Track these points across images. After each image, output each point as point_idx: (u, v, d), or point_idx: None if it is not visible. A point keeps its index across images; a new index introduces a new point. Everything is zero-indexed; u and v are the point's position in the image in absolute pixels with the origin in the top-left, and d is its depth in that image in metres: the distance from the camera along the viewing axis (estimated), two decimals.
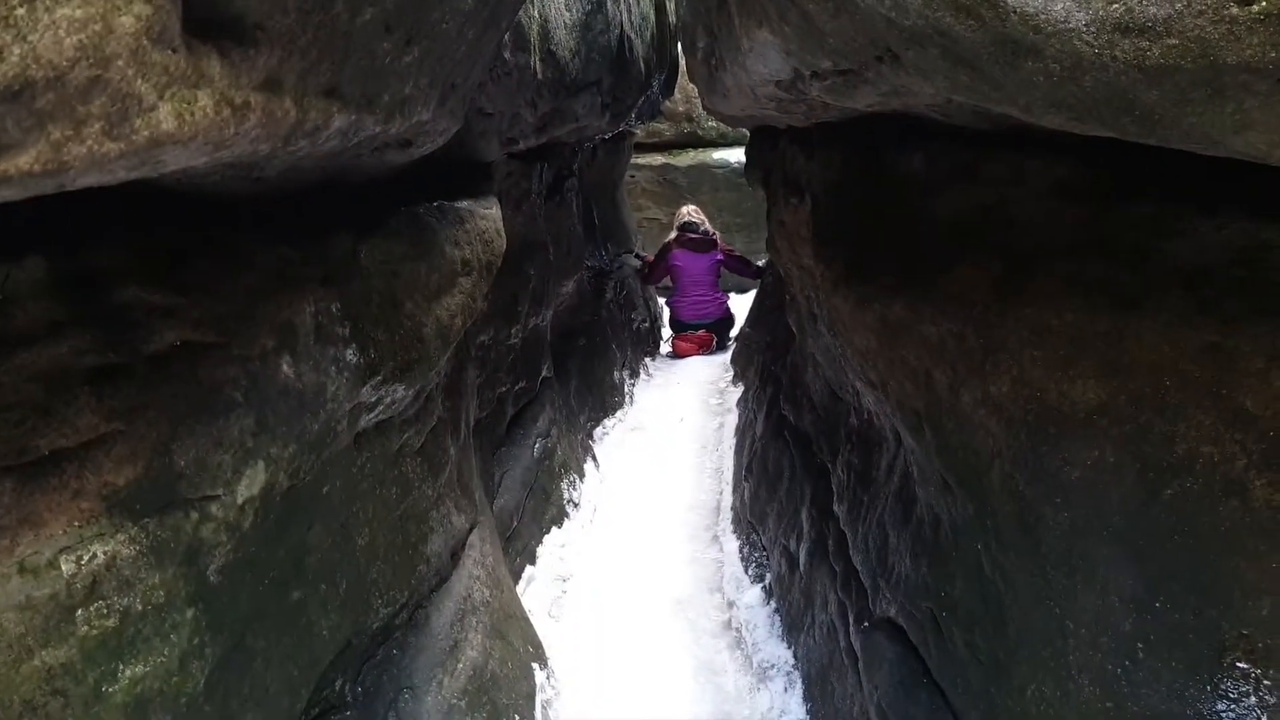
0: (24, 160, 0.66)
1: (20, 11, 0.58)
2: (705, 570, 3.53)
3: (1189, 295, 1.37)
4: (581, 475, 4.23)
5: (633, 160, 9.21)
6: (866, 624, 2.14)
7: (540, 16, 3.19)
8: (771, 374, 4.23)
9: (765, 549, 3.33)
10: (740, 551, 3.56)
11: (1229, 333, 1.29)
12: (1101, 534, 1.35)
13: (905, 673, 1.90)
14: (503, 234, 2.67)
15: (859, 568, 2.25)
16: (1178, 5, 0.91)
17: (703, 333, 7.40)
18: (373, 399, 1.90)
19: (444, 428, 2.45)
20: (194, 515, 1.44)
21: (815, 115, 2.46)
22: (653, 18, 5.69)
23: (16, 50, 0.59)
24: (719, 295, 7.55)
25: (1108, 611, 1.34)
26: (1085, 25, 0.99)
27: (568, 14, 3.64)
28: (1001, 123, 1.58)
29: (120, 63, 0.70)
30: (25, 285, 1.29)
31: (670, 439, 5.04)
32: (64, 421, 1.27)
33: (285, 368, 1.61)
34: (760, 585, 3.21)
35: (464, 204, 2.47)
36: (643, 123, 7.22)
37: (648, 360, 6.81)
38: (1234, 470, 1.23)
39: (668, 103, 7.96)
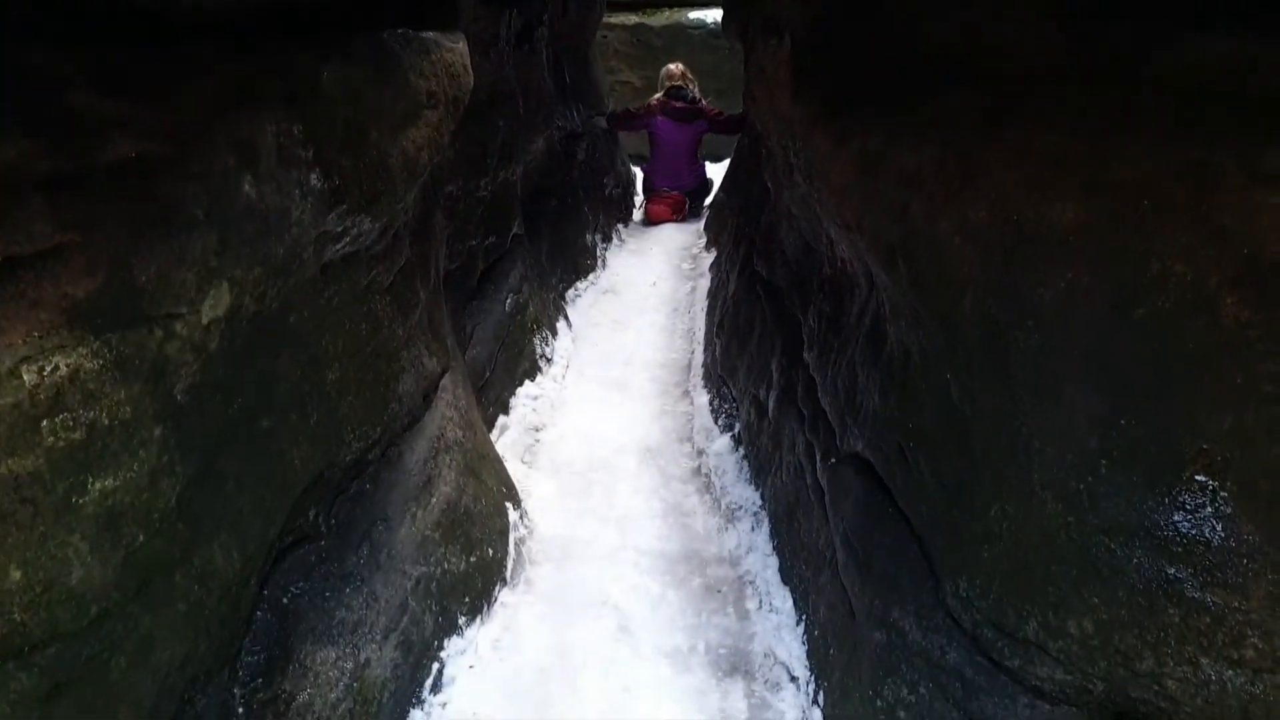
0: None
1: None
2: (675, 422, 3.60)
3: (1175, 111, 1.34)
4: (554, 333, 4.23)
5: (605, 19, 8.81)
6: (834, 460, 2.20)
7: None
8: (745, 235, 4.20)
9: (735, 400, 3.38)
10: (710, 404, 3.62)
11: (1213, 149, 1.28)
12: (1071, 354, 1.36)
13: (871, 503, 1.96)
14: (470, 71, 2.56)
15: (827, 410, 2.30)
16: None
17: (676, 194, 7.28)
18: (338, 228, 1.85)
19: (413, 270, 2.41)
20: (158, 332, 1.41)
21: None
22: None
23: None
24: (698, 165, 7.41)
25: (1073, 429, 1.37)
26: None
27: None
28: None
29: None
30: None
31: (643, 301, 5.04)
32: (16, 228, 1.22)
33: (247, 187, 1.56)
34: (729, 434, 3.28)
35: (429, 35, 2.35)
36: None
37: (620, 226, 6.72)
38: (1206, 288, 1.23)
39: None
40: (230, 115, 1.58)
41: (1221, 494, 1.21)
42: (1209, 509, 1.23)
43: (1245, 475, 1.19)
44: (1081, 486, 1.36)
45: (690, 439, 3.43)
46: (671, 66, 7.57)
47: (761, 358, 3.14)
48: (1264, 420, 1.16)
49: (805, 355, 2.59)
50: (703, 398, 3.70)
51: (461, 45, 2.55)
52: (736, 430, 3.24)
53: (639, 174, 7.67)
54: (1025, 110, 1.52)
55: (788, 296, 3.02)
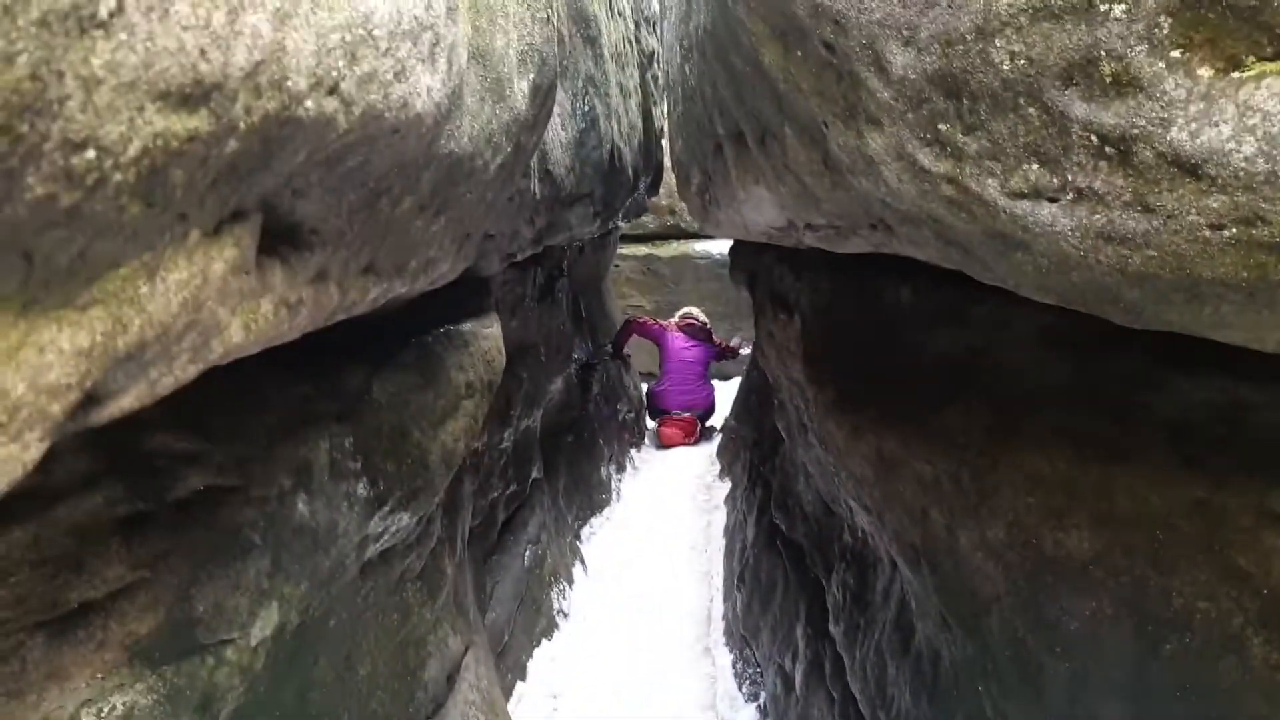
0: (126, 401, 0.72)
1: (144, 289, 0.65)
2: (698, 685, 3.50)
3: (1174, 450, 1.44)
4: (571, 581, 4.21)
5: (618, 251, 9.41)
6: None
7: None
8: (760, 475, 4.28)
9: (759, 665, 3.32)
10: (733, 667, 3.55)
11: (1216, 489, 1.37)
12: (1103, 687, 1.39)
13: None
14: (503, 351, 2.75)
15: (857, 695, 2.27)
16: (1155, 222, 1.01)
17: (688, 417, 7.44)
18: (379, 529, 1.93)
19: (442, 547, 2.47)
20: (210, 661, 1.46)
21: (804, 243, 2.58)
22: (640, 125, 5.91)
23: (137, 320, 0.65)
24: (707, 385, 7.63)
25: None
26: (1070, 230, 1.09)
27: (563, 133, 3.79)
28: None
29: (211, 303, 0.77)
30: (67, 439, 1.34)
31: (658, 539, 5.04)
32: (94, 574, 1.31)
33: (301, 506, 1.65)
34: (755, 704, 3.19)
35: (468, 326, 2.55)
36: (629, 220, 7.42)
37: (634, 451, 6.84)
38: (1231, 627, 1.28)
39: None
40: (288, 437, 1.70)
41: None
42: None
43: None
44: None
45: (714, 706, 3.33)
46: (687, 309, 7.99)
47: (786, 622, 3.12)
48: None
49: (831, 628, 2.59)
50: (725, 657, 3.63)
51: (495, 328, 2.75)
52: (762, 701, 3.16)
53: (646, 387, 7.88)
54: (1031, 432, 1.63)
55: (809, 556, 3.04)
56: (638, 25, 5.85)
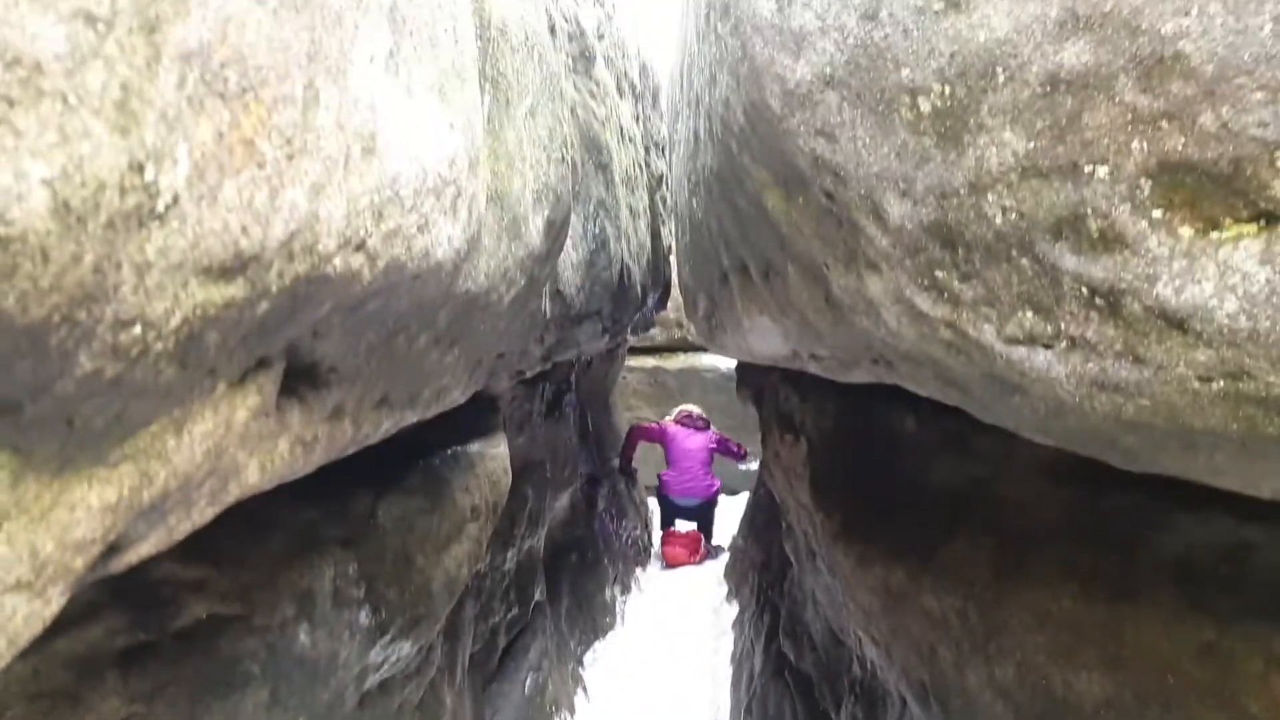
0: (145, 549, 0.74)
1: (171, 443, 0.68)
2: None
3: (1180, 590, 1.43)
4: (572, 710, 4.08)
5: (625, 363, 9.50)
6: None
7: None
8: (769, 600, 4.20)
9: None
10: None
11: (1224, 632, 1.35)
12: None
13: None
14: (509, 471, 2.76)
15: None
16: (1146, 373, 1.04)
17: (692, 531, 7.34)
18: (380, 659, 1.90)
19: (441, 677, 2.42)
20: None
21: (809, 370, 2.62)
22: (649, 244, 6.08)
23: (162, 473, 0.68)
24: (710, 478, 7.54)
25: None
26: (1065, 377, 1.12)
27: (574, 254, 3.91)
28: None
29: (232, 449, 0.80)
30: None
31: (663, 666, 4.90)
32: (90, 708, 1.29)
33: (303, 635, 1.64)
34: None
35: (475, 446, 2.57)
36: (636, 334, 7.53)
37: (639, 571, 6.73)
38: None
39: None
40: (293, 564, 1.70)
41: None
42: None
43: None
44: None
45: None
46: (683, 406, 8.02)
47: None
48: None
49: None
50: None
51: (502, 448, 2.77)
52: None
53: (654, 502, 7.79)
54: (1037, 568, 1.62)
55: (818, 688, 2.96)
56: (648, 150, 6.10)
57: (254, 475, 0.91)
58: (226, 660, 1.49)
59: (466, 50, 1.11)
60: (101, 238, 0.45)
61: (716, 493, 7.59)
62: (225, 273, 0.61)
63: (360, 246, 0.83)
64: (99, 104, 0.42)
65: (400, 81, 0.88)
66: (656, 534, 7.71)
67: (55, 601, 0.60)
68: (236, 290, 0.63)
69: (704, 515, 7.50)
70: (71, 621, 1.32)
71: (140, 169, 0.47)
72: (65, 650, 1.29)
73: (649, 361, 11.06)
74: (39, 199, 0.40)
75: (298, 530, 1.76)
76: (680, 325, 11.07)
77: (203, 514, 0.81)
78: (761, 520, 5.50)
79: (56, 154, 0.41)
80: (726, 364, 9.90)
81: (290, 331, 0.84)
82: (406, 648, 2.00)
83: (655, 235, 6.41)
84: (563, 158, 1.86)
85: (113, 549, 0.69)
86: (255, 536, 1.67)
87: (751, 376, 4.42)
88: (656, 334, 10.95)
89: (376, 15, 0.80)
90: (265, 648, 1.56)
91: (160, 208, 0.50)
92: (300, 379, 1.02)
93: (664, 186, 6.77)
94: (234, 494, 0.87)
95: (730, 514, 7.48)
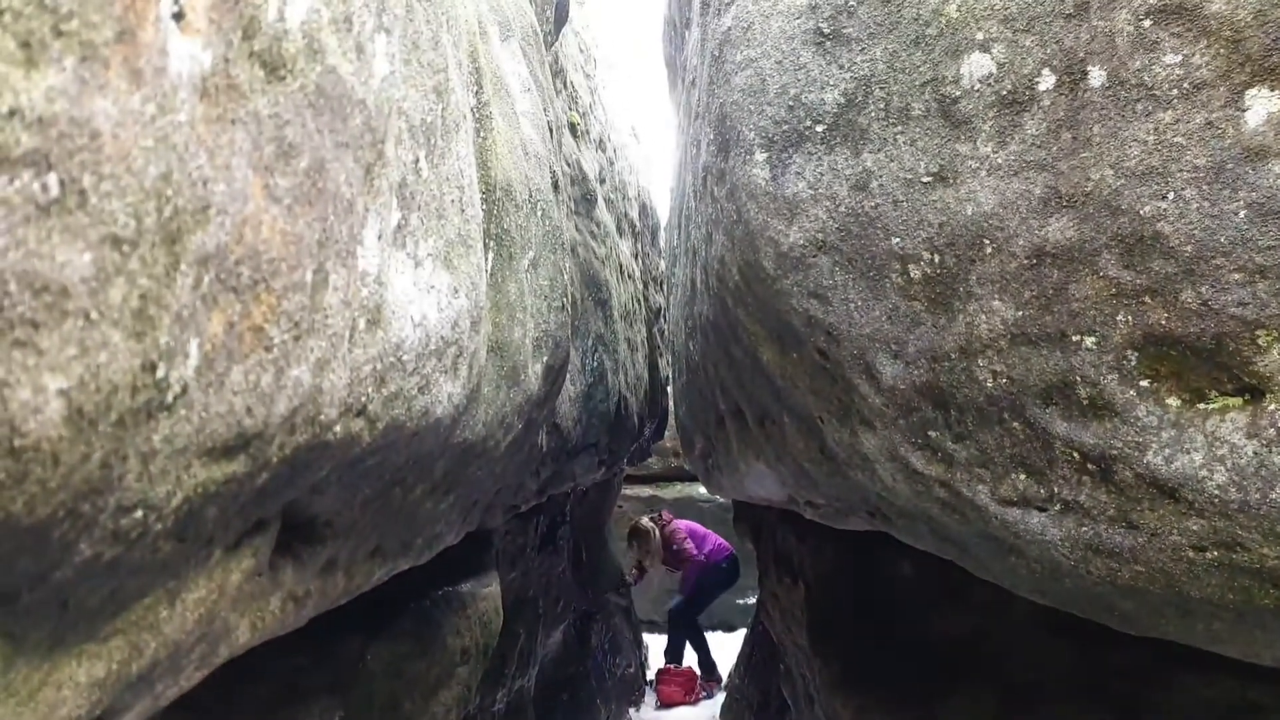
0: (130, 719, 0.72)
1: (164, 614, 0.67)
2: None
3: None
4: None
5: (621, 491, 9.40)
6: None
7: None
8: None
9: None
10: None
11: None
12: None
13: None
14: (500, 611, 2.69)
15: None
16: (1140, 539, 1.04)
17: (688, 669, 7.08)
18: None
19: None
20: None
21: (807, 515, 2.60)
22: (646, 376, 6.13)
23: (153, 644, 0.67)
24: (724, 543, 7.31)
25: None
26: (1060, 540, 1.12)
27: (572, 388, 3.94)
28: None
29: (223, 612, 0.79)
30: None
31: None
32: None
33: None
34: None
35: (466, 586, 2.52)
36: (633, 464, 7.48)
37: (632, 712, 6.45)
38: None
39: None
40: (279, 711, 1.64)
41: None
42: None
43: None
44: None
45: None
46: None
47: None
48: None
49: None
50: None
51: (494, 586, 2.72)
52: None
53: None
54: None
55: None
56: (646, 285, 6.25)
57: (244, 635, 0.89)
58: None
59: (473, 218, 1.16)
60: (111, 434, 0.47)
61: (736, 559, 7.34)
62: (228, 452, 0.62)
63: (361, 412, 0.85)
64: (118, 316, 0.45)
65: (407, 252, 0.92)
66: (653, 669, 7.43)
67: None
68: (238, 467, 0.65)
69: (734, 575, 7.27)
70: None
71: (153, 368, 0.49)
72: None
73: (645, 490, 10.93)
74: (54, 409, 0.42)
75: (285, 678, 1.71)
76: (677, 455, 11.00)
77: (190, 679, 0.80)
78: (760, 658, 5.32)
79: (75, 366, 0.43)
80: None
81: (288, 494, 0.85)
82: None
83: (653, 367, 6.48)
84: (563, 306, 1.91)
85: None
86: (241, 685, 1.62)
87: (749, 513, 4.37)
88: (653, 462, 10.88)
89: (386, 195, 0.84)
90: None
91: (169, 399, 0.52)
92: (295, 535, 1.02)
93: (662, 319, 6.90)
94: (223, 655, 0.86)
95: (728, 651, 7.23)
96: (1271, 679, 1.42)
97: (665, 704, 6.93)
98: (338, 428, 0.80)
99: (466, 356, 1.13)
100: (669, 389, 7.15)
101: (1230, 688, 1.45)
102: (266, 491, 0.76)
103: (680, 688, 6.99)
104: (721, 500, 10.12)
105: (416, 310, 0.93)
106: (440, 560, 2.46)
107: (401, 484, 1.20)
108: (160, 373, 0.50)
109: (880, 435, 1.33)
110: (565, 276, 1.95)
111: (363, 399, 0.84)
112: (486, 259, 1.31)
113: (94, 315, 0.43)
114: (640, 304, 5.82)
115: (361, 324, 0.79)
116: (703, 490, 10.78)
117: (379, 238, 0.83)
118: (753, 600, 6.99)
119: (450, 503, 1.53)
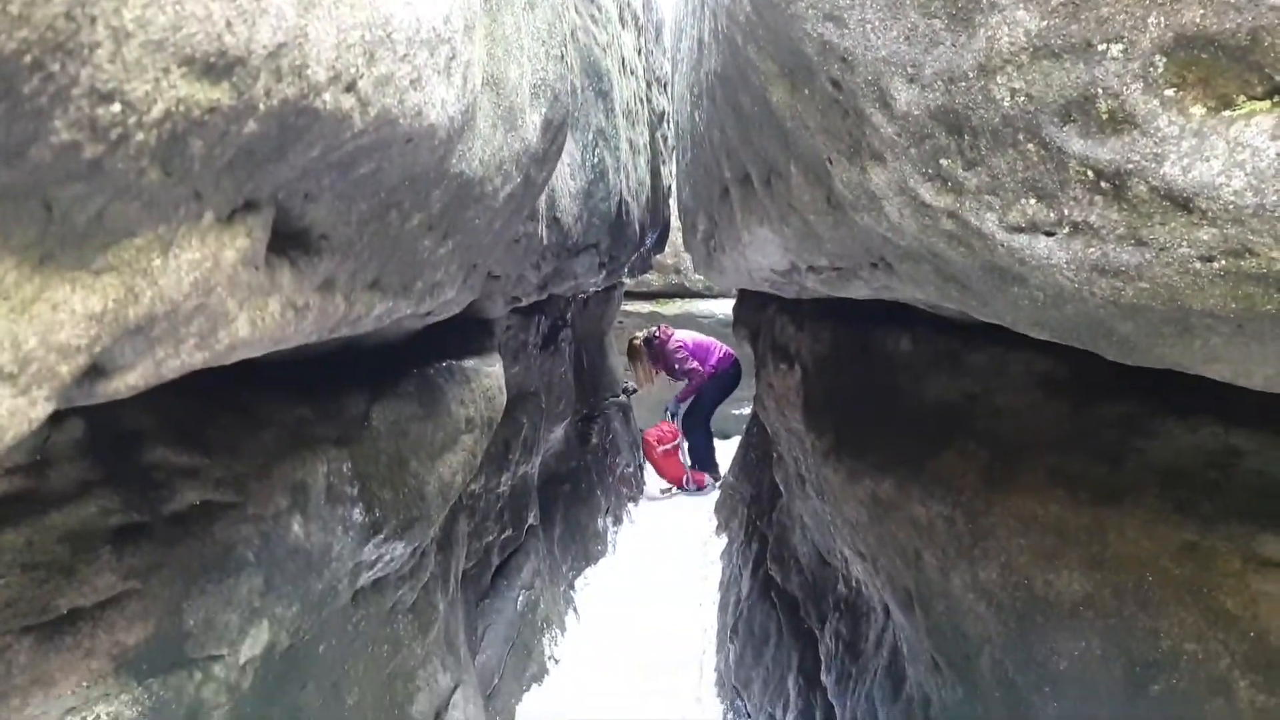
0: (132, 378, 0.73)
1: (156, 262, 0.66)
2: None
3: (1165, 494, 1.44)
4: (563, 629, 4.16)
5: (622, 306, 9.48)
6: None
7: (549, 185, 3.39)
8: (757, 530, 4.25)
9: (750, 716, 3.26)
10: (724, 717, 3.47)
11: (1205, 533, 1.36)
12: None
13: None
14: (504, 390, 2.75)
15: None
16: (1148, 255, 1.03)
17: (666, 426, 7.33)
18: (373, 557, 1.92)
19: (435, 583, 2.45)
20: (197, 675, 1.44)
21: (806, 293, 2.61)
22: (649, 182, 6.01)
23: (149, 292, 0.67)
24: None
25: None
26: (1066, 263, 1.11)
27: (572, 182, 3.86)
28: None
29: (221, 289, 0.79)
30: (63, 446, 1.34)
31: (653, 593, 4.98)
32: (84, 581, 1.30)
33: (296, 527, 1.65)
34: None
35: (470, 363, 2.56)
36: (634, 276, 7.48)
37: (631, 505, 6.80)
38: (1218, 669, 1.26)
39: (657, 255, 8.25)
40: (286, 458, 1.70)
41: None
42: None
43: None
44: None
45: None
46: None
47: (778, 672, 3.07)
48: None
49: (823, 677, 2.54)
50: (715, 708, 3.56)
51: (497, 368, 2.76)
52: None
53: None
54: (1026, 476, 1.63)
55: (803, 608, 3.01)
56: (649, 85, 6.00)
57: (244, 328, 0.90)
58: (221, 545, 1.50)
59: None
60: None
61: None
62: (210, 70, 0.59)
63: (351, 87, 0.81)
64: None
65: None
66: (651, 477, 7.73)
67: (40, 405, 0.60)
68: (222, 95, 0.62)
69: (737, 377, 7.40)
70: (65, 497, 1.33)
71: None
72: (59, 524, 1.30)
73: (645, 306, 11.02)
74: None
75: (290, 426, 1.75)
76: (678, 271, 11.03)
77: (191, 355, 0.80)
78: (753, 458, 5.53)
79: None
80: (723, 309, 9.88)
81: (279, 173, 0.83)
82: (400, 548, 2.02)
83: (655, 174, 6.33)
84: (561, 56, 1.82)
85: (98, 369, 0.68)
86: (247, 429, 1.67)
87: (748, 313, 4.40)
88: (654, 279, 10.90)
89: None
90: (260, 536, 1.56)
91: None
92: (292, 242, 1.00)
93: (665, 124, 6.67)
94: (224, 343, 0.86)
95: (724, 455, 7.52)
96: (1252, 424, 1.46)
97: (663, 475, 7.25)
98: (327, 96, 0.77)
99: (460, 64, 1.07)
100: (672, 201, 7.04)
101: (1213, 433, 1.49)
102: (255, 154, 0.74)
103: (667, 453, 7.20)
104: (721, 315, 10.24)
105: None
106: (443, 337, 2.50)
107: (398, 207, 1.18)
108: None
109: (890, 169, 1.29)
110: (564, 26, 1.85)
111: (352, 70, 0.80)
112: None
113: None
114: (643, 104, 5.61)
115: None
116: (703, 306, 10.89)
117: None
118: (749, 410, 7.18)
119: (449, 250, 1.51)
